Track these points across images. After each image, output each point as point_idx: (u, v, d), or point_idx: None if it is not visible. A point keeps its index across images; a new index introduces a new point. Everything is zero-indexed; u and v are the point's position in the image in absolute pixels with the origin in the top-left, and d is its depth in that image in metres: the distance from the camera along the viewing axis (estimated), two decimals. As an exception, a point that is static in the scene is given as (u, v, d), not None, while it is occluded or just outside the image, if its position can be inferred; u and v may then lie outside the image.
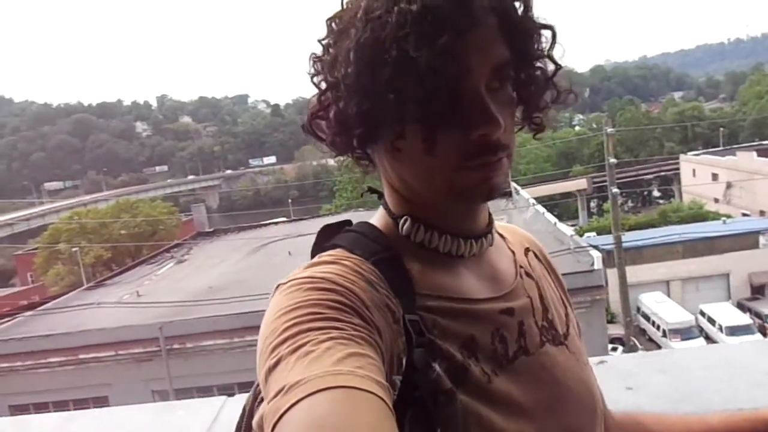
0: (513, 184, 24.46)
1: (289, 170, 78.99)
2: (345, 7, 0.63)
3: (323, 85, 0.65)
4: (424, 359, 0.58)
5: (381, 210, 0.72)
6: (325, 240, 0.69)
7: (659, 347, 17.98)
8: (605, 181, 16.02)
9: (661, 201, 47.02)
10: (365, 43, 0.58)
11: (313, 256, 0.66)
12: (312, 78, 0.66)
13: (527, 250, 0.82)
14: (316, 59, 0.66)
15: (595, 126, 55.42)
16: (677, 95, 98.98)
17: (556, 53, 0.66)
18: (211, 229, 25.50)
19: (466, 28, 0.57)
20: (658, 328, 19.22)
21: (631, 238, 19.33)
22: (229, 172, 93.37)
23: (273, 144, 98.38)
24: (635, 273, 18.30)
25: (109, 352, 11.58)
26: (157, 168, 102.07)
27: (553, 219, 16.57)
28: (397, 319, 0.59)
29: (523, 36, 0.62)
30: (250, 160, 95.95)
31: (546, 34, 0.64)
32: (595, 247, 13.87)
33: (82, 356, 11.69)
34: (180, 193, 74.08)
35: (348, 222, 0.71)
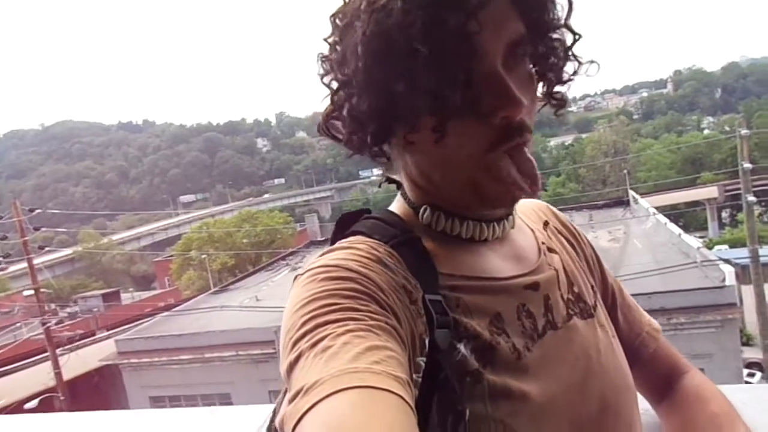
0: (631, 192, 22.87)
1: (398, 181, 79.88)
2: (347, 1, 0.60)
3: (334, 84, 0.62)
4: (447, 340, 0.57)
5: (399, 198, 0.71)
6: (344, 228, 0.68)
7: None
8: (739, 189, 14.44)
9: (812, 211, 41.33)
10: (372, 34, 0.55)
11: (332, 244, 0.65)
12: (322, 78, 0.64)
13: (546, 224, 0.79)
14: (323, 59, 0.63)
15: (727, 129, 50.21)
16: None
17: (574, 22, 0.61)
18: (323, 238, 26.61)
19: (477, 6, 0.54)
20: (807, 354, 16.87)
21: (772, 251, 17.23)
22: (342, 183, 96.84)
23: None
24: (778, 291, 16.25)
25: (231, 352, 12.45)
26: (276, 181, 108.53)
27: (677, 230, 15.30)
28: (415, 299, 0.58)
29: (537, 7, 0.59)
30: (360, 172, 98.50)
31: (562, 2, 0.61)
32: (727, 261, 12.59)
33: (207, 355, 12.72)
34: (296, 204, 78.06)
35: (367, 210, 0.70)
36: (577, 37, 0.63)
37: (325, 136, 0.66)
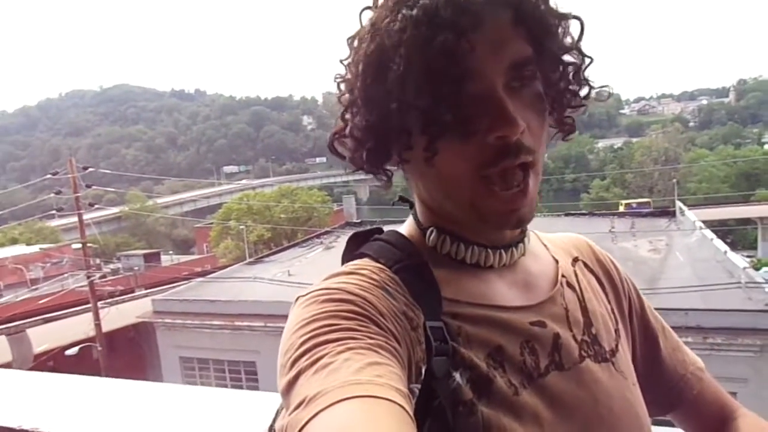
0: (678, 203, 22.08)
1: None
2: (362, 24, 0.62)
3: (344, 104, 0.64)
4: (444, 368, 0.57)
5: (410, 219, 0.70)
6: (354, 248, 0.68)
7: None
8: (797, 210, 13.74)
9: None
10: (371, 53, 0.58)
11: (342, 264, 0.66)
12: (339, 99, 0.66)
13: (575, 259, 0.77)
14: (339, 80, 0.65)
15: (791, 145, 47.71)
16: None
17: (586, 45, 0.60)
18: (359, 221, 26.75)
19: (469, 27, 0.55)
20: None
21: (825, 278, 16.37)
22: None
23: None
24: (827, 321, 15.47)
25: (260, 322, 12.71)
26: (318, 159, 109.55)
27: (723, 247, 14.73)
28: (416, 326, 0.58)
29: (542, 29, 0.58)
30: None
31: (572, 25, 0.60)
32: (774, 285, 12.05)
33: (237, 323, 13.04)
34: (335, 183, 78.71)
35: (377, 230, 0.70)
36: (588, 60, 0.62)
37: (333, 153, 0.68)
